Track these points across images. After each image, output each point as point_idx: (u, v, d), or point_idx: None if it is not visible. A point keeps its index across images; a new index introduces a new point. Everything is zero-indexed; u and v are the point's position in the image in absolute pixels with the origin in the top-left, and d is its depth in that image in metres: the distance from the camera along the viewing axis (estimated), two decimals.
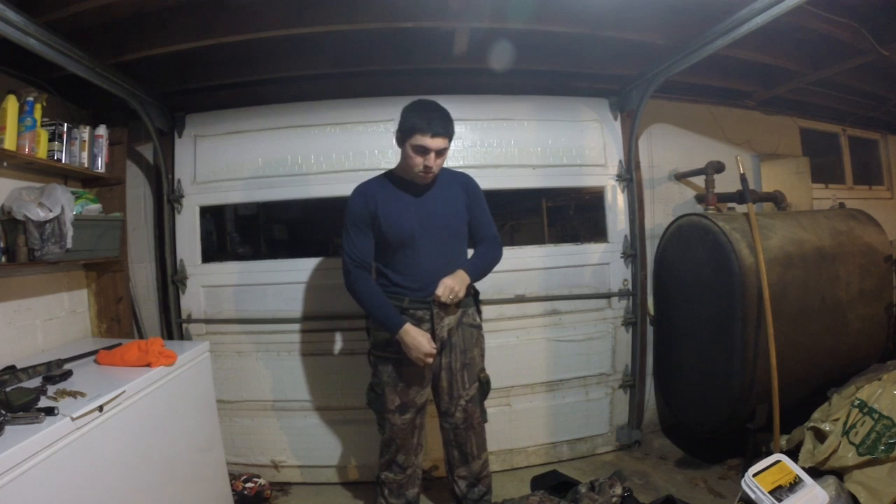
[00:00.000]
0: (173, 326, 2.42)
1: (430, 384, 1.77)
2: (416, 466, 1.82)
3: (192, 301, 2.44)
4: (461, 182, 1.80)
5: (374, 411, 1.81)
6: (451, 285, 1.63)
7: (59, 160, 1.92)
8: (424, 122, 1.56)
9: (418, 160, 1.60)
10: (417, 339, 1.60)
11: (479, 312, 1.86)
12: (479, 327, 1.83)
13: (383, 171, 1.83)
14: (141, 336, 2.44)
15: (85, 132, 2.04)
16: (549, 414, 2.56)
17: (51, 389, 1.40)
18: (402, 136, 1.62)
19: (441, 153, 1.61)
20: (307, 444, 2.43)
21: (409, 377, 1.72)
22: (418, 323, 1.68)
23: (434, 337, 1.69)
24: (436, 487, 2.27)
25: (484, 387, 1.83)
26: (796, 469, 1.68)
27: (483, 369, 1.83)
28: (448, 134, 1.61)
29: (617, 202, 2.62)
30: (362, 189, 1.74)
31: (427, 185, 1.73)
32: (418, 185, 1.72)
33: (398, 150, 2.50)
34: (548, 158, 2.54)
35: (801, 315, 2.20)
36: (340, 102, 2.44)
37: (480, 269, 1.78)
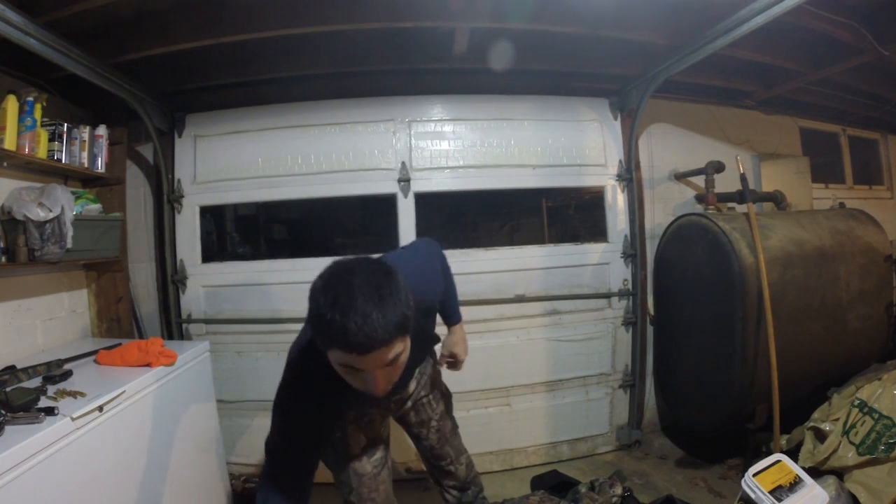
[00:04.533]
0: (173, 326, 2.42)
1: (389, 413, 1.55)
2: None
3: (192, 301, 2.44)
4: (426, 290, 1.26)
5: (332, 468, 1.45)
6: (464, 358, 1.54)
7: (59, 160, 1.92)
8: (342, 330, 0.80)
9: (353, 381, 0.92)
10: None
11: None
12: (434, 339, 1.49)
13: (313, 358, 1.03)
14: (141, 336, 2.44)
15: (85, 132, 2.04)
16: (549, 414, 2.56)
17: (51, 389, 1.40)
18: (323, 345, 0.87)
19: (393, 363, 0.89)
20: None
21: (372, 409, 1.45)
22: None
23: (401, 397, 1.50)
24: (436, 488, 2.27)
25: (448, 399, 1.68)
26: (796, 469, 1.67)
27: (441, 381, 1.65)
28: (398, 333, 0.84)
29: (617, 202, 2.62)
30: (308, 386, 1.09)
31: None
32: None
33: (398, 151, 2.52)
34: (548, 158, 2.54)
35: (800, 315, 2.20)
36: (340, 102, 2.43)
37: (457, 302, 1.60)
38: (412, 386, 1.54)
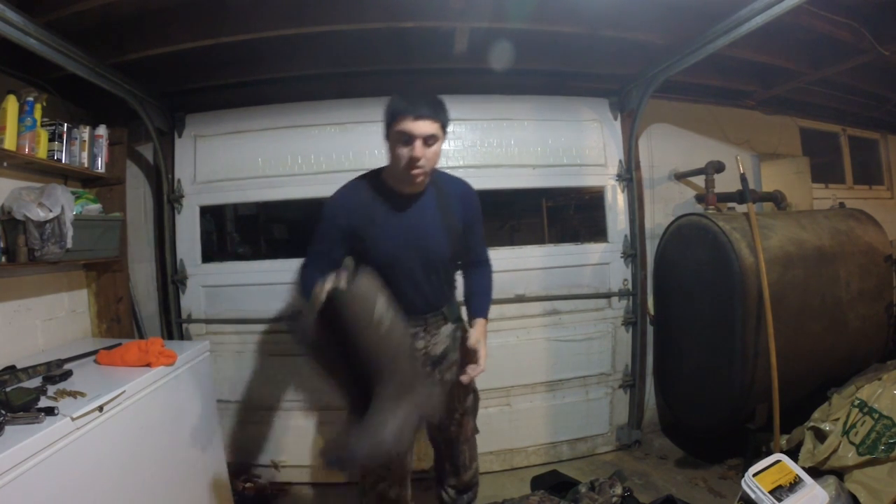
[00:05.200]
0: (173, 326, 2.43)
1: None
2: None
3: (192, 301, 2.44)
4: (459, 192, 1.54)
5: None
6: (483, 354, 1.46)
7: (59, 160, 1.92)
8: (405, 103, 1.32)
9: (404, 152, 1.33)
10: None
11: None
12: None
13: (369, 171, 1.55)
14: (141, 336, 2.44)
15: (85, 132, 2.04)
16: (549, 414, 2.56)
17: (51, 389, 1.40)
18: (386, 129, 1.39)
19: (430, 142, 1.33)
20: (307, 444, 2.43)
21: None
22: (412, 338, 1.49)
23: (428, 355, 1.56)
24: (435, 488, 2.27)
25: (476, 400, 1.74)
26: (796, 469, 1.67)
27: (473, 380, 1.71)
28: (437, 117, 1.33)
29: (617, 202, 2.62)
30: (342, 201, 1.47)
31: (417, 194, 1.47)
32: (406, 194, 1.45)
33: None
34: (548, 158, 2.54)
35: (801, 315, 2.20)
36: (340, 102, 2.43)
37: (489, 304, 1.64)
38: (440, 346, 1.55)
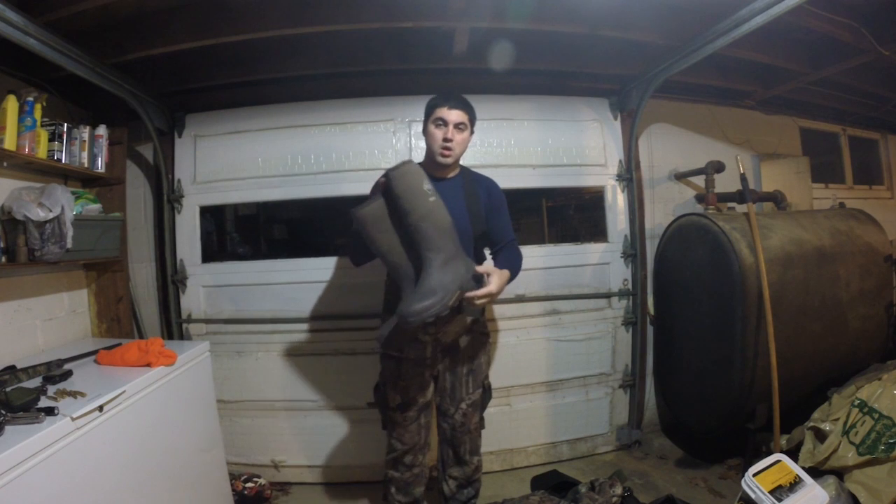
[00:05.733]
0: (173, 326, 2.42)
1: (430, 383, 1.77)
2: (422, 466, 1.82)
3: (192, 301, 2.44)
4: (485, 184, 1.78)
5: (379, 410, 1.84)
6: (494, 291, 1.52)
7: (59, 160, 1.92)
8: (442, 97, 1.64)
9: (438, 133, 1.62)
10: None
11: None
12: (488, 335, 1.83)
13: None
14: (141, 336, 2.44)
15: (85, 132, 2.04)
16: (549, 414, 2.56)
17: (51, 389, 1.40)
18: (425, 121, 1.67)
19: (460, 128, 1.63)
20: (307, 443, 2.43)
21: (408, 375, 1.71)
22: (423, 326, 1.61)
23: (438, 343, 1.68)
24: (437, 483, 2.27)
25: (487, 394, 1.85)
26: (796, 469, 1.68)
27: (487, 377, 1.84)
28: (466, 110, 1.64)
29: (617, 202, 2.62)
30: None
31: (447, 179, 1.71)
32: (437, 177, 1.68)
33: (398, 151, 2.50)
34: (548, 158, 2.54)
35: (801, 315, 2.20)
36: (340, 102, 2.44)
37: (515, 272, 1.69)
38: (451, 336, 1.67)
